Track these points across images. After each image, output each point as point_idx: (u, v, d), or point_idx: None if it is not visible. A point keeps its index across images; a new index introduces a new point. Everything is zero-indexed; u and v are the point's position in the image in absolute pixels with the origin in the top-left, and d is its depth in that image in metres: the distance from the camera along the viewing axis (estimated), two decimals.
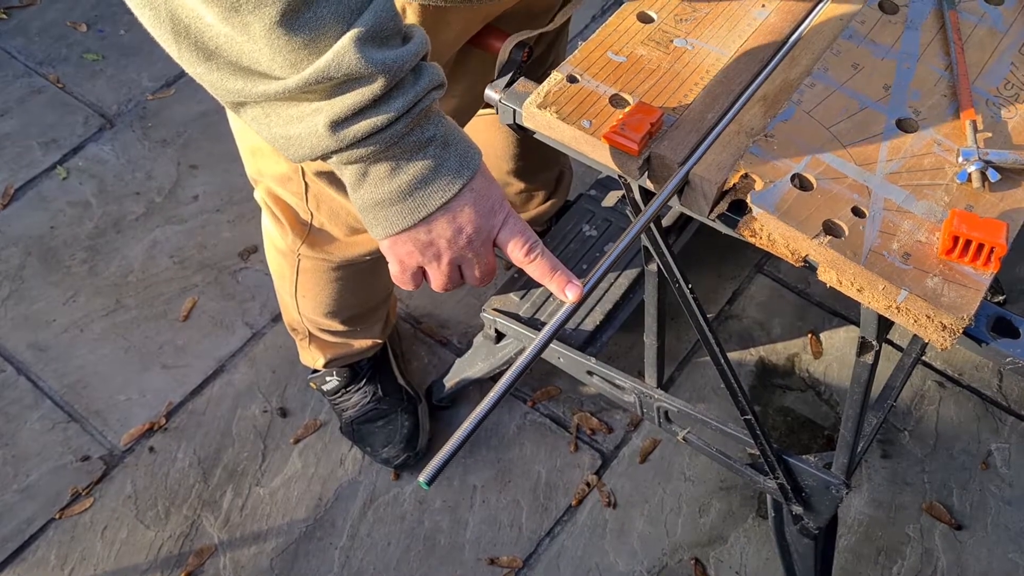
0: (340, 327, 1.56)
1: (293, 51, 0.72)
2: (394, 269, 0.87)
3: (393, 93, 0.75)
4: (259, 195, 1.31)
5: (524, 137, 1.02)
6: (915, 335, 1.26)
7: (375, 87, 0.74)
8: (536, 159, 1.68)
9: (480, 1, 1.00)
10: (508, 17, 1.10)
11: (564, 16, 1.12)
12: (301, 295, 1.47)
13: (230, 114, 1.22)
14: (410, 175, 0.80)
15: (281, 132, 0.77)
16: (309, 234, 1.31)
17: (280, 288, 1.53)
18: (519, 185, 1.74)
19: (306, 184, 1.21)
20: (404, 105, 0.76)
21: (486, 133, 1.58)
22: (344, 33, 0.72)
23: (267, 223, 1.38)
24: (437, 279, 0.88)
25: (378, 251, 1.33)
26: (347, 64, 0.72)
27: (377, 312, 1.61)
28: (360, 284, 1.46)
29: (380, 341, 1.68)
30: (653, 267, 1.22)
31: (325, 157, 0.78)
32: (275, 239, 1.38)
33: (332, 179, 1.18)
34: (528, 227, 0.87)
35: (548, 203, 1.82)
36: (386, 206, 0.81)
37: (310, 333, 1.60)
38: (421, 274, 0.88)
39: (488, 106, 1.04)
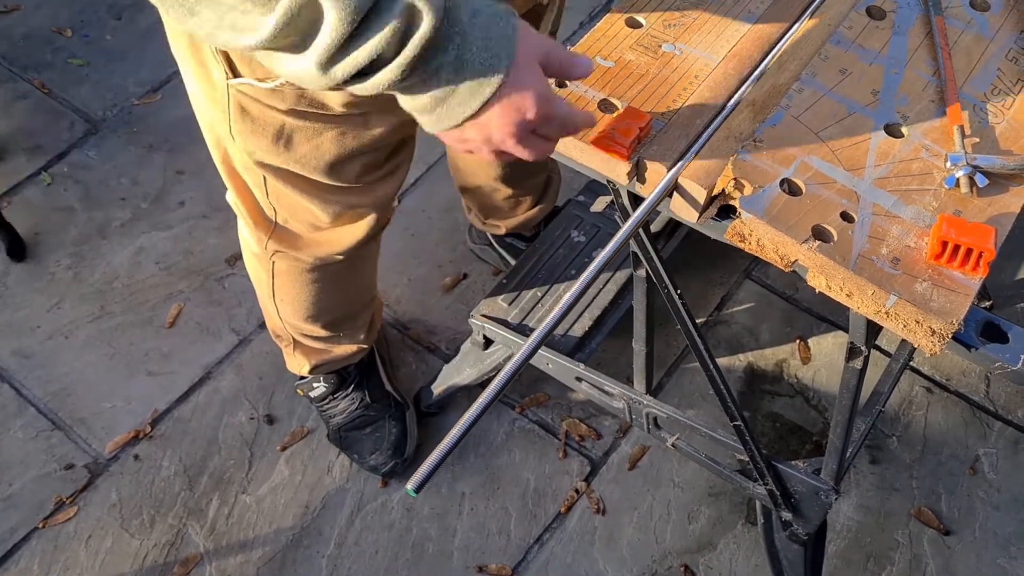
0: (322, 332, 1.55)
1: None
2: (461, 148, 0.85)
3: (361, 28, 0.70)
4: (230, 197, 1.32)
5: None
6: (903, 340, 1.26)
7: (337, 22, 0.69)
8: (523, 164, 1.67)
9: None
10: None
11: (545, 29, 1.11)
12: (280, 299, 1.47)
13: (195, 99, 1.19)
14: (428, 97, 0.77)
15: (286, 72, 0.75)
16: (275, 231, 1.31)
17: (260, 294, 1.52)
18: (507, 191, 1.73)
19: (263, 176, 1.20)
20: (383, 38, 0.70)
21: None
22: None
23: (241, 228, 1.39)
24: (511, 155, 0.85)
25: (349, 251, 1.33)
26: None
27: (360, 316, 1.60)
28: (337, 286, 1.46)
29: (365, 347, 1.67)
30: (642, 273, 1.22)
31: (345, 85, 0.75)
32: (250, 243, 1.39)
33: (279, 174, 1.17)
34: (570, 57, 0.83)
35: (536, 208, 1.81)
36: (416, 113, 0.80)
37: (294, 339, 1.60)
38: (490, 153, 0.85)
39: None
